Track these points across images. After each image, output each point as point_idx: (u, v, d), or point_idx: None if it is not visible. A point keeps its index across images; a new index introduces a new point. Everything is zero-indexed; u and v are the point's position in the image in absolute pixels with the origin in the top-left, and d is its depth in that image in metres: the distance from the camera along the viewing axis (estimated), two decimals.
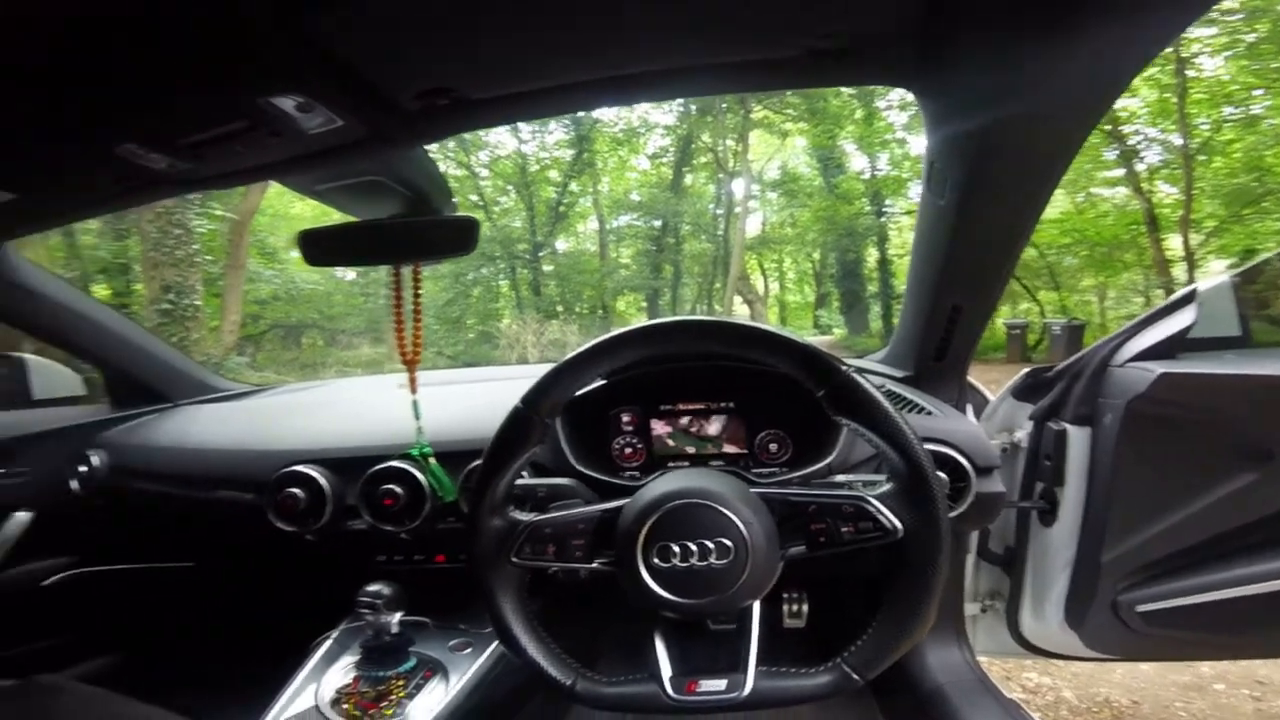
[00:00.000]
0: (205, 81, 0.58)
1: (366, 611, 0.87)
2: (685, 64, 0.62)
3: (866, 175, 11.42)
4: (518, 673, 0.91)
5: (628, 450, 1.01)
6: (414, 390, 0.89)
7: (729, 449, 1.00)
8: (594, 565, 0.67)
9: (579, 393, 0.93)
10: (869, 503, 0.62)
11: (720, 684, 0.63)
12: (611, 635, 0.76)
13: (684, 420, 1.01)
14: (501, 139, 10.59)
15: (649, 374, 1.00)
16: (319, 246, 0.87)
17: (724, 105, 10.50)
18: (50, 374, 1.27)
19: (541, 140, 10.82)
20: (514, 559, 0.67)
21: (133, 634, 1.39)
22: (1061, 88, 0.62)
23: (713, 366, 0.99)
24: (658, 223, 11.51)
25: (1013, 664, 1.83)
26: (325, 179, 0.84)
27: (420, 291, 0.88)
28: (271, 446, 1.05)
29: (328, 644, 0.94)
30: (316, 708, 0.84)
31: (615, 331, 0.68)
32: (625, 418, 1.01)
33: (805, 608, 1.02)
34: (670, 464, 0.99)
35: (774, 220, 12.78)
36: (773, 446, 0.98)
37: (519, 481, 0.84)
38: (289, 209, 8.68)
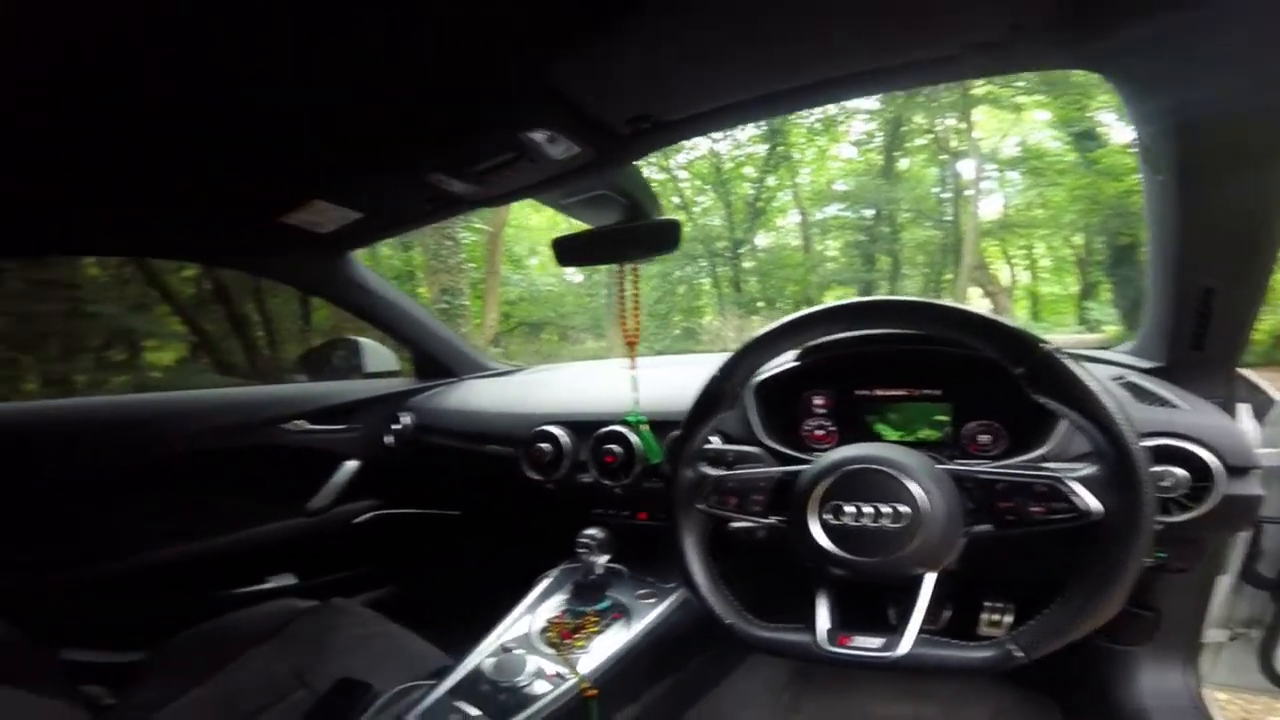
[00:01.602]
0: (487, 123, 0.80)
1: (583, 550, 1.03)
2: (861, 68, 0.67)
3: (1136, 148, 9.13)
4: (691, 625, 1.01)
5: (818, 431, 1.03)
6: (633, 366, 1.05)
7: (929, 437, 0.97)
8: (770, 520, 0.74)
9: (773, 372, 1.02)
10: (1064, 483, 0.61)
11: (875, 642, 0.65)
12: (777, 592, 0.81)
13: (881, 405, 1.01)
14: (696, 141, 10.80)
15: (846, 356, 1.01)
16: (567, 250, 1.08)
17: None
18: (376, 353, 1.65)
19: (734, 139, 10.77)
20: (700, 505, 0.77)
21: (405, 570, 1.68)
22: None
23: (915, 351, 0.98)
24: (869, 211, 10.57)
25: (1261, 705, 1.45)
26: (567, 195, 1.04)
27: (638, 284, 1.03)
28: (527, 410, 1.29)
29: (547, 581, 1.10)
30: (529, 634, 0.98)
31: (805, 310, 0.73)
32: (818, 400, 1.04)
33: (1009, 619, 0.95)
34: None
35: (1017, 202, 10.88)
36: (983, 438, 0.94)
37: (716, 445, 0.95)
38: (527, 221, 9.95)
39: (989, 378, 0.86)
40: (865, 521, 0.66)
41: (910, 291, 10.89)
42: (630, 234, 1.04)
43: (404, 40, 0.64)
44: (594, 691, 0.85)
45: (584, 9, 0.59)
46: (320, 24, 0.60)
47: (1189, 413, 0.82)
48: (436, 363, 1.70)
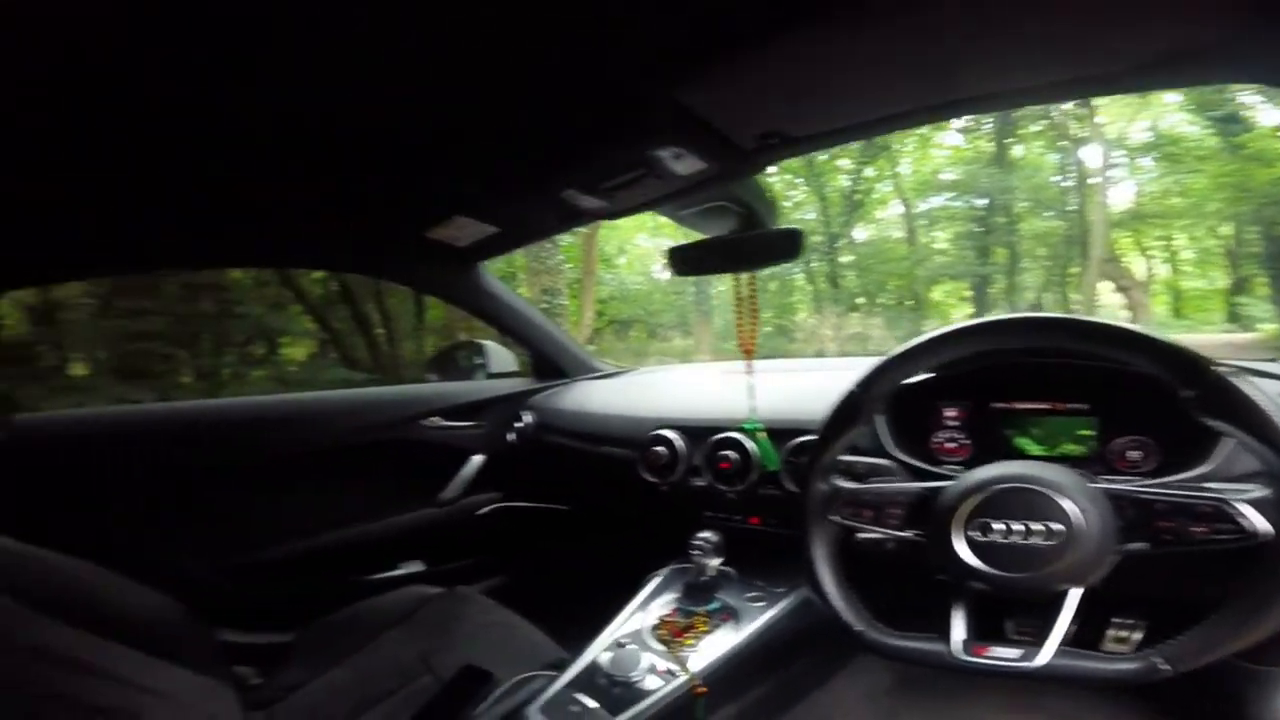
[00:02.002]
0: (619, 141, 0.85)
1: (696, 552, 1.05)
2: (1012, 86, 0.66)
3: None
4: (798, 630, 1.02)
5: (950, 444, 1.00)
6: (750, 375, 1.07)
7: (1073, 452, 0.92)
8: (906, 534, 0.76)
9: (904, 383, 1.01)
10: (1231, 505, 0.59)
11: (1012, 653, 0.66)
12: (906, 603, 0.80)
13: (1020, 419, 0.96)
14: None
15: (982, 368, 0.97)
16: (682, 260, 1.11)
17: None
18: (499, 355, 1.78)
19: None
20: (833, 517, 0.79)
21: (516, 560, 1.75)
22: None
23: (1057, 362, 0.93)
24: (981, 201, 9.78)
25: None
26: (685, 206, 1.08)
27: (756, 293, 1.05)
28: (643, 414, 1.33)
29: (658, 580, 1.13)
30: (640, 631, 1.01)
31: (954, 325, 0.74)
32: (950, 412, 1.00)
33: (1137, 636, 0.89)
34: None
35: (1152, 190, 9.67)
36: (1133, 454, 0.87)
37: (844, 457, 0.96)
38: (617, 221, 10.12)
39: (1142, 392, 0.82)
40: (1015, 539, 0.66)
41: (1028, 285, 10.03)
42: (749, 243, 1.05)
43: (541, 64, 0.69)
44: (704, 689, 0.88)
45: (715, 33, 0.61)
46: (467, 53, 0.66)
47: None
48: (551, 364, 1.79)
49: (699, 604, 1.04)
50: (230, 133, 0.82)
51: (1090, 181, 9.13)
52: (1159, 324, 8.69)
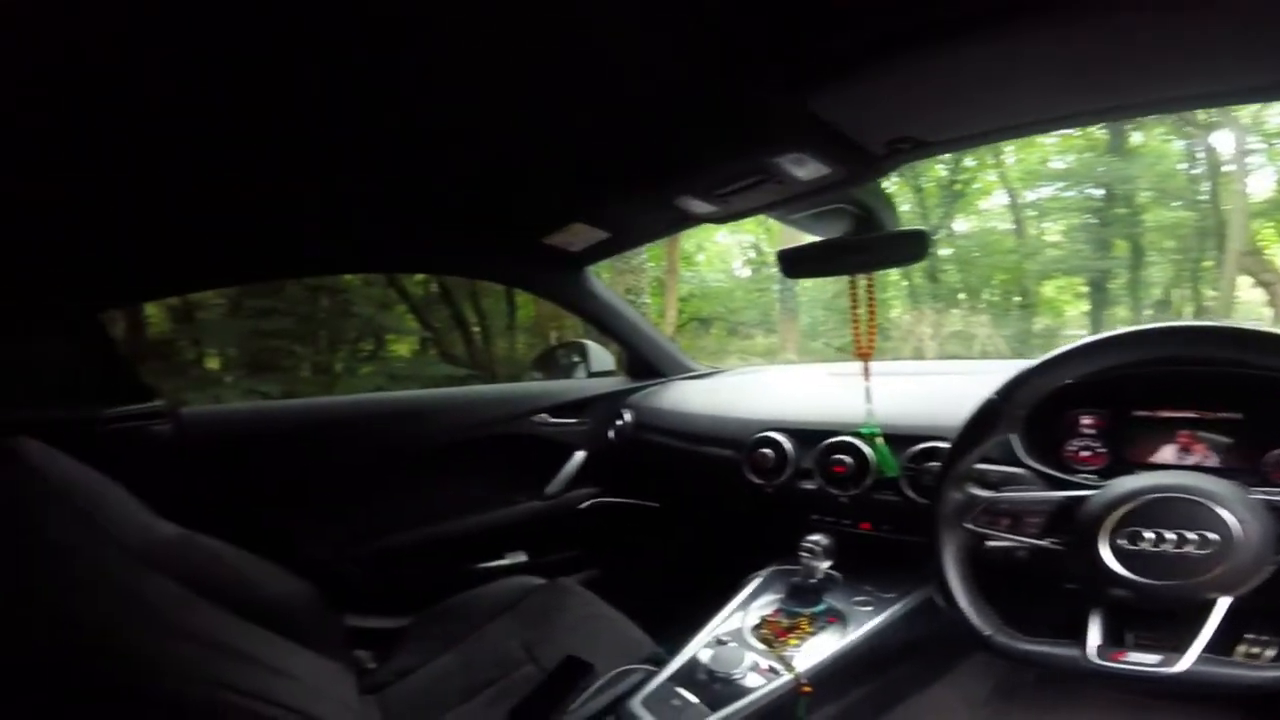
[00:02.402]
0: (741, 151, 0.86)
1: (806, 555, 1.05)
2: (1188, 91, 0.62)
3: None
4: (905, 635, 1.01)
5: (1084, 453, 0.96)
6: (867, 379, 1.05)
7: (1220, 464, 0.86)
8: (1044, 542, 0.76)
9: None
10: None
11: (1152, 658, 0.66)
12: (1029, 610, 0.80)
13: (1164, 428, 0.91)
14: None
15: (1121, 374, 0.91)
16: (794, 263, 1.11)
17: None
18: (600, 354, 1.86)
19: None
20: (967, 524, 0.79)
21: (610, 554, 1.79)
22: None
23: (1212, 371, 0.86)
24: (1097, 191, 8.94)
25: None
26: (799, 209, 1.07)
27: (874, 294, 1.03)
28: (747, 415, 1.34)
29: (759, 580, 1.14)
30: (740, 630, 1.02)
31: (1107, 333, 0.73)
32: (1087, 419, 0.97)
33: (1270, 654, 0.83)
34: (1139, 471, 0.92)
35: None
36: None
37: (977, 466, 0.93)
38: None
39: None
40: (1166, 548, 0.66)
41: (1155, 279, 9.07)
42: (870, 244, 1.04)
43: (669, 77, 0.71)
44: (809, 689, 0.89)
45: (850, 41, 0.61)
46: (598, 67, 0.69)
47: None
48: (647, 363, 1.83)
49: (804, 606, 1.05)
50: (378, 149, 0.89)
51: (1224, 169, 8.11)
52: None
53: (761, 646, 0.98)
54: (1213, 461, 0.88)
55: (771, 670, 0.92)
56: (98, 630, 0.74)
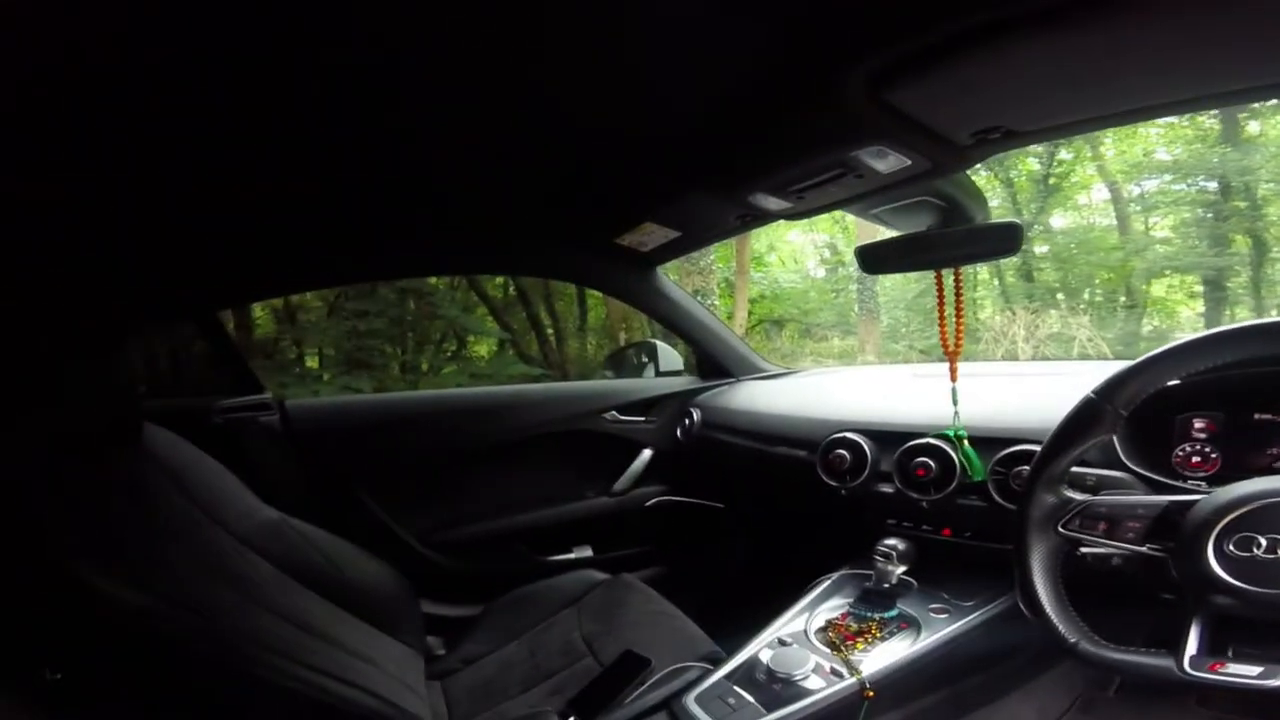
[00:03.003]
0: (817, 146, 0.84)
1: (880, 559, 1.03)
2: (1239, 88, 0.56)
3: None
4: (979, 645, 0.97)
5: (1195, 459, 0.89)
6: (954, 379, 1.01)
7: None
8: (1143, 549, 0.72)
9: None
10: None
11: (1253, 669, 0.63)
12: (1120, 619, 0.77)
13: None
14: None
15: (1234, 375, 0.86)
16: (874, 258, 1.08)
17: None
18: (668, 354, 1.87)
19: None
20: (1060, 529, 0.77)
21: (674, 552, 1.81)
22: None
23: None
24: (1210, 184, 8.09)
25: None
26: (880, 203, 1.03)
27: (961, 290, 0.98)
28: (822, 416, 1.31)
29: (827, 583, 1.12)
30: (805, 631, 1.01)
31: (1217, 329, 0.68)
32: (1199, 423, 0.90)
33: None
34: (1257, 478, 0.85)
35: None
36: None
37: (1074, 469, 0.87)
38: None
39: None
40: None
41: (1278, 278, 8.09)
42: (959, 238, 0.98)
43: (738, 69, 0.70)
44: (872, 693, 0.86)
45: (930, 32, 0.58)
46: (667, 69, 0.69)
47: None
48: (717, 363, 1.82)
49: (876, 610, 1.02)
50: (457, 155, 0.93)
51: None
52: None
53: (825, 649, 0.96)
54: None
55: (834, 673, 0.90)
56: (204, 606, 0.81)
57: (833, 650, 0.95)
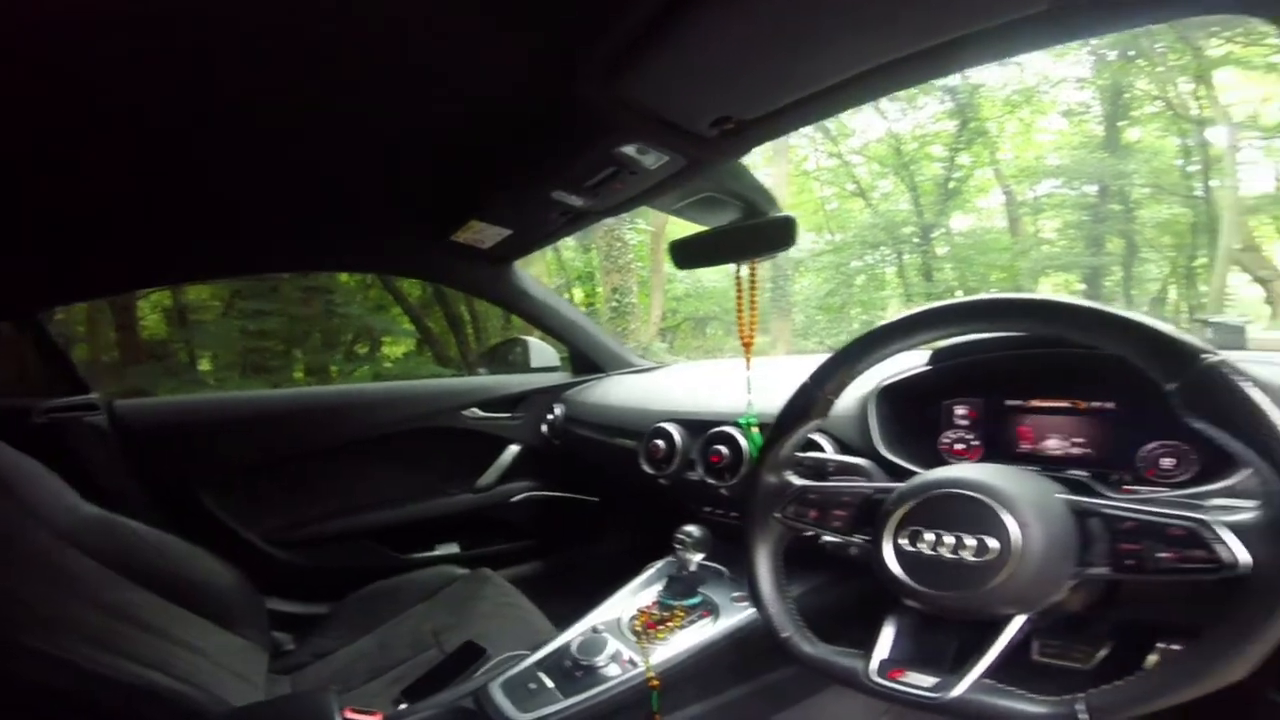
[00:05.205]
0: (582, 144, 0.88)
1: (678, 546, 1.04)
2: (945, 38, 0.61)
3: None
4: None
5: (959, 445, 0.92)
6: (748, 368, 1.07)
7: (1096, 455, 0.82)
8: (854, 539, 0.68)
9: (902, 377, 0.97)
10: (1210, 528, 0.50)
11: (928, 680, 0.59)
12: (859, 613, 0.73)
13: (1037, 418, 0.87)
14: (869, 122, 9.77)
15: (993, 361, 0.90)
16: (684, 253, 1.14)
17: (1159, 47, 7.61)
18: (541, 350, 1.86)
19: (914, 116, 9.61)
20: (777, 514, 0.74)
21: (548, 547, 1.81)
22: None
23: (1081, 356, 0.83)
24: (1092, 188, 8.87)
25: None
26: (677, 199, 1.09)
27: (757, 285, 1.04)
28: (650, 406, 1.35)
29: (650, 571, 1.13)
30: (619, 619, 1.02)
31: (907, 311, 0.68)
32: (960, 410, 0.93)
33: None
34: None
35: None
36: (1166, 462, 0.77)
37: (826, 454, 0.92)
38: (684, 220, 10.08)
39: None
40: (943, 552, 0.59)
41: (1149, 276, 8.94)
42: (741, 233, 1.05)
43: (490, 74, 0.74)
44: (657, 682, 0.87)
45: (644, 25, 0.62)
46: (425, 75, 0.73)
47: None
48: (589, 359, 1.85)
49: (679, 598, 1.03)
50: (280, 151, 0.93)
51: (1220, 165, 7.98)
52: None
53: (631, 637, 0.97)
54: (1089, 455, 0.83)
55: (631, 662, 0.91)
56: (15, 597, 0.80)
57: (637, 639, 0.96)
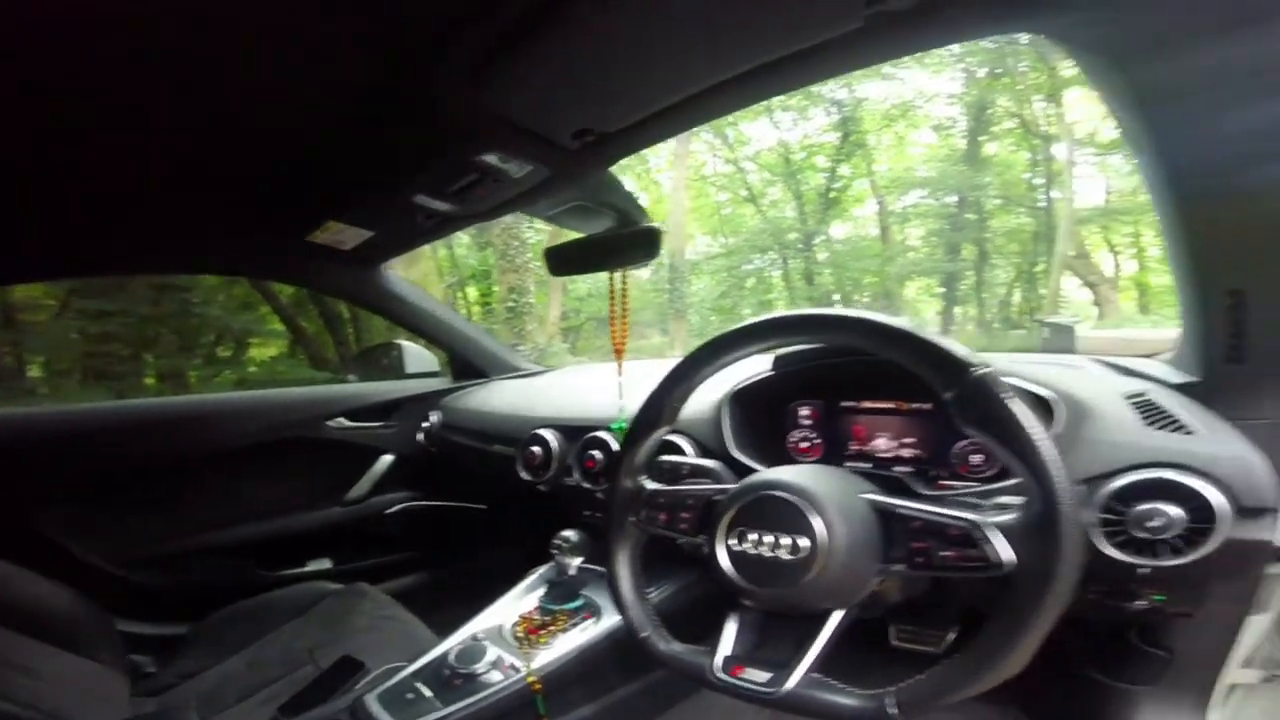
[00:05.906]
0: (443, 150, 0.86)
1: (556, 551, 1.04)
2: (778, 55, 0.64)
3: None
4: None
5: (804, 444, 0.99)
6: (620, 373, 1.08)
7: (916, 454, 0.91)
8: (698, 539, 0.70)
9: (750, 382, 1.01)
10: (979, 529, 0.54)
11: (763, 676, 0.62)
12: (713, 612, 0.75)
13: (868, 418, 0.95)
14: (763, 131, 10.39)
15: (829, 366, 0.97)
16: (558, 260, 1.13)
17: (1023, 66, 8.69)
18: (417, 355, 1.76)
19: (803, 127, 10.32)
20: (632, 518, 0.76)
21: (430, 559, 1.74)
22: None
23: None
24: (952, 198, 9.92)
25: None
26: (550, 207, 1.08)
27: (628, 292, 1.05)
28: (528, 413, 1.33)
29: (532, 577, 1.12)
30: (500, 626, 1.01)
31: (730, 327, 0.72)
32: (804, 411, 1.00)
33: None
34: (847, 463, 0.95)
35: (1121, 187, 9.78)
36: (975, 458, 0.86)
37: (675, 458, 0.94)
38: None
39: None
40: (764, 551, 0.62)
41: (999, 280, 10.12)
42: (612, 242, 1.06)
43: (351, 72, 0.71)
44: (539, 685, 0.88)
45: (500, 35, 0.62)
46: (289, 80, 0.70)
47: (1204, 440, 0.70)
48: (469, 364, 1.79)
49: (560, 602, 1.03)
50: (130, 144, 0.84)
51: (1060, 179, 9.21)
52: (1126, 319, 8.79)
53: (513, 643, 0.97)
54: (918, 453, 0.90)
55: (513, 668, 0.91)
56: None
57: (519, 644, 0.96)
